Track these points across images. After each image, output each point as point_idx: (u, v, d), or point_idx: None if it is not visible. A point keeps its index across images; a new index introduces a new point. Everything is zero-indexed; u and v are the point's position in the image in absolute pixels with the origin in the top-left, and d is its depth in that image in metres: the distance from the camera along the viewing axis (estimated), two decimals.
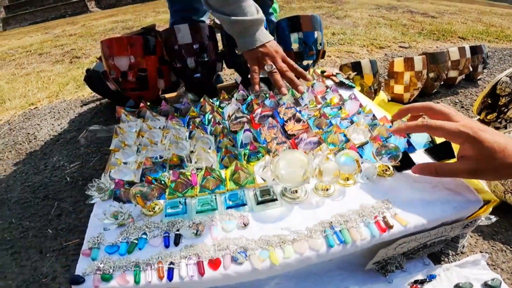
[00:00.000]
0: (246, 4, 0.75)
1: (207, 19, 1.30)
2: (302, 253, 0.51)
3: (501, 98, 1.06)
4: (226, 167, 0.70)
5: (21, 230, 0.96)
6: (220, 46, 1.08)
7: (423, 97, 1.47)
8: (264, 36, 0.81)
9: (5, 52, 3.70)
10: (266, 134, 0.81)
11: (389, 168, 0.64)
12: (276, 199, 0.59)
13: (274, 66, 0.79)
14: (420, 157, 0.68)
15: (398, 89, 1.32)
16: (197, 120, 0.86)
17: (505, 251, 0.77)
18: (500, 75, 1.06)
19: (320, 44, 1.08)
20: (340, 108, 0.87)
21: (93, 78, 1.46)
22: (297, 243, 0.52)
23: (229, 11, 0.75)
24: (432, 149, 0.69)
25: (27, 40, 4.45)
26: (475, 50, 1.63)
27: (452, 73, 1.55)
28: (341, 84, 0.99)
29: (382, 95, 1.39)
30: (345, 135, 0.76)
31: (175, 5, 1.23)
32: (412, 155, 0.66)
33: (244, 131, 0.79)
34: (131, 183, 0.64)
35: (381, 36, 2.62)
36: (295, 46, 1.05)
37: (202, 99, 0.94)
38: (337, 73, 1.04)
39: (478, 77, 1.72)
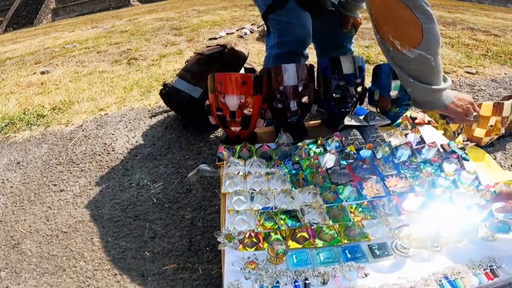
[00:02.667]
0: (441, 75, 0.89)
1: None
2: None
3: None
4: (335, 219, 0.76)
5: (120, 250, 1.02)
6: None
7: (498, 139, 1.40)
8: (452, 92, 0.95)
9: (63, 46, 3.90)
10: (368, 190, 0.83)
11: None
12: (392, 254, 0.68)
13: (477, 115, 0.96)
14: None
15: (479, 132, 1.27)
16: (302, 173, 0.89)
17: None
18: None
19: None
20: (440, 166, 0.88)
21: (171, 95, 1.51)
22: None
23: (431, 82, 0.87)
24: None
25: (81, 35, 4.68)
26: None
27: None
28: (452, 153, 0.94)
29: (459, 137, 1.35)
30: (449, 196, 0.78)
31: (284, 37, 1.18)
32: None
33: (349, 186, 0.82)
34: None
35: (445, 59, 2.51)
36: (393, 93, 1.03)
37: (301, 143, 0.95)
38: (449, 142, 0.99)
39: None
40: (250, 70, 1.62)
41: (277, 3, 1.12)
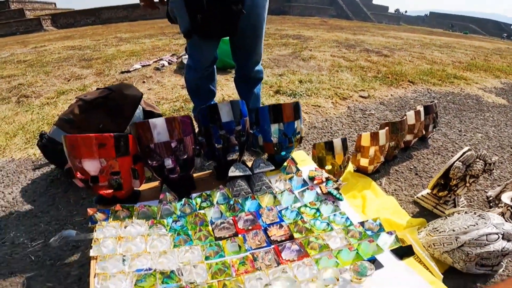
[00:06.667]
0: None
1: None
2: None
3: (452, 180, 1.16)
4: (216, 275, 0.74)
5: None
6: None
7: (383, 164, 1.57)
8: None
9: None
10: (250, 241, 0.84)
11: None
12: None
13: None
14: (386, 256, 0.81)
15: (364, 162, 1.40)
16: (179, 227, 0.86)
17: None
18: (453, 158, 1.16)
19: (299, 132, 1.11)
20: (318, 209, 0.94)
21: (48, 148, 1.32)
22: None
23: None
24: (397, 250, 0.83)
25: None
26: (428, 110, 1.79)
27: (408, 137, 1.69)
28: (328, 194, 1.00)
29: (349, 166, 1.46)
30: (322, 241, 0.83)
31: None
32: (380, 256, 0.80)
33: (231, 241, 0.82)
34: None
35: (344, 84, 2.79)
36: (274, 138, 1.06)
37: (184, 200, 0.91)
38: (327, 180, 1.05)
39: (429, 136, 1.89)
40: (149, 113, 1.54)
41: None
